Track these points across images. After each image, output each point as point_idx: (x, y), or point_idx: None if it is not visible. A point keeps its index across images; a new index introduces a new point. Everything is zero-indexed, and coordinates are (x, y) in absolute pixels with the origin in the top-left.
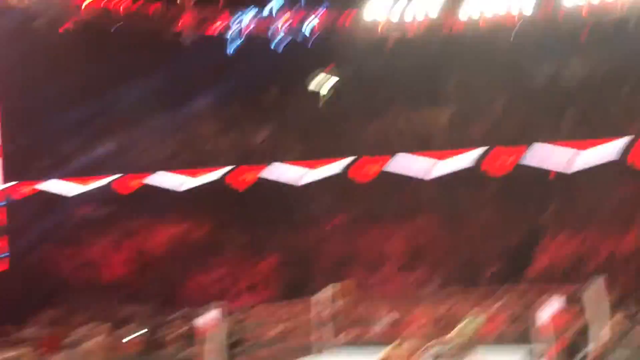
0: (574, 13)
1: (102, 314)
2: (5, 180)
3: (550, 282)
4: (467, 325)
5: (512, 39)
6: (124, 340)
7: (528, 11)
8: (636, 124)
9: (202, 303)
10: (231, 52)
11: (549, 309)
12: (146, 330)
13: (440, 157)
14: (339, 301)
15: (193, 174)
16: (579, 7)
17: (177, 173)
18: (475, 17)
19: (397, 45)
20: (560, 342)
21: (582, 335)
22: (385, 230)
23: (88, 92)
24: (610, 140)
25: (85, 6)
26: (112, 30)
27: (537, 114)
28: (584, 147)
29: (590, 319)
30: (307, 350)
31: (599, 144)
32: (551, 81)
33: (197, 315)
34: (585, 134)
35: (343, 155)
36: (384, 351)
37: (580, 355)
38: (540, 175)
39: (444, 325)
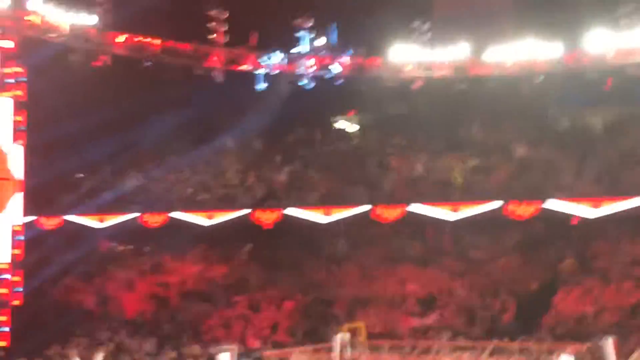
0: (599, 60)
1: (120, 348)
2: (26, 214)
3: (560, 338)
4: None
5: (538, 82)
6: None
7: (555, 56)
8: None
9: (219, 342)
10: (259, 89)
11: None
12: None
13: (455, 210)
14: (350, 346)
15: (214, 215)
16: (604, 54)
17: (199, 212)
18: (502, 61)
19: (422, 88)
20: None
21: None
22: (402, 275)
23: (115, 127)
24: (626, 199)
25: (120, 41)
26: (144, 66)
27: (556, 166)
28: (598, 206)
29: None
30: None
31: (614, 201)
32: (573, 131)
33: (213, 354)
34: (603, 190)
35: (360, 200)
36: None
37: None
38: (558, 228)
39: None
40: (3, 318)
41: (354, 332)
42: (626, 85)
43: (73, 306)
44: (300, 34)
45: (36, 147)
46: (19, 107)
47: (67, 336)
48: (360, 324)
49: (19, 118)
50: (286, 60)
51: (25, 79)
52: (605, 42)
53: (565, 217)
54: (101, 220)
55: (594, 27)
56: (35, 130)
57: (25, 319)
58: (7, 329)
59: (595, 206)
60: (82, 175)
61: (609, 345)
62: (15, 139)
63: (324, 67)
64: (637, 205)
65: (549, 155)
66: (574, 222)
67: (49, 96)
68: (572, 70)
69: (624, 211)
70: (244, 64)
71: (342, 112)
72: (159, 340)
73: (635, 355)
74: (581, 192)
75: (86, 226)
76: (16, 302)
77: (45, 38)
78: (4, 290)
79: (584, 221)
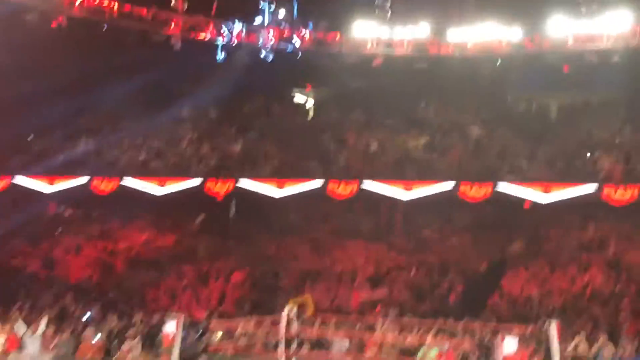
0: (558, 45)
1: (64, 313)
2: None
3: (505, 320)
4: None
5: (497, 65)
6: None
7: (514, 40)
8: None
9: (165, 311)
10: (218, 59)
11: (504, 348)
12: (103, 334)
13: (408, 188)
14: (297, 320)
15: (166, 182)
16: (565, 37)
17: (151, 179)
18: (462, 42)
19: (382, 64)
20: None
21: None
22: (352, 250)
23: (69, 91)
24: (577, 185)
25: (79, 3)
26: (102, 30)
27: (511, 149)
28: (549, 190)
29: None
30: None
31: (566, 187)
32: (529, 114)
33: (157, 322)
34: (555, 175)
35: (314, 175)
36: None
37: None
38: (509, 211)
39: (397, 354)
40: None
41: (301, 306)
42: (584, 72)
43: (18, 269)
44: (262, 5)
45: None
46: None
47: (11, 299)
48: (307, 298)
49: None
50: (246, 31)
51: None
52: (565, 28)
53: (517, 200)
54: (50, 183)
55: (555, 12)
56: None
57: None
58: None
59: (547, 191)
60: (32, 137)
61: (552, 328)
62: None
63: (284, 40)
64: (588, 191)
65: (504, 138)
66: (527, 206)
67: (1, 55)
68: (531, 54)
69: (575, 197)
70: (204, 33)
71: (300, 85)
72: (103, 306)
73: (577, 339)
74: (534, 176)
75: (34, 189)
76: None
77: None
78: None
79: (536, 205)
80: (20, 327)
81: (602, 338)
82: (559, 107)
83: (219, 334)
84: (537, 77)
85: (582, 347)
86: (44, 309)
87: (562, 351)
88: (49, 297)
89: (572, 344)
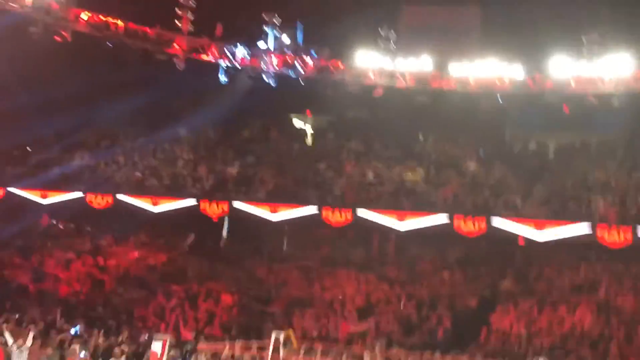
0: (559, 86)
1: (50, 327)
2: None
3: (492, 356)
4: None
5: (497, 102)
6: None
7: (517, 77)
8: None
9: (152, 330)
10: (220, 81)
11: None
12: (89, 351)
13: (402, 219)
14: (284, 347)
15: (160, 201)
16: (566, 79)
17: (146, 197)
18: (464, 77)
19: (383, 95)
20: None
21: None
22: (343, 279)
23: (69, 105)
24: (570, 223)
25: (83, 18)
26: (106, 46)
27: (506, 185)
28: (543, 228)
29: None
30: None
31: (559, 225)
32: (527, 152)
33: (144, 341)
34: (549, 212)
35: (309, 201)
36: None
37: None
38: (501, 247)
39: None
40: None
41: (286, 337)
42: (584, 113)
43: (7, 281)
44: (266, 30)
45: None
46: None
47: None
48: (289, 332)
49: None
50: (249, 55)
51: None
52: (567, 69)
53: (510, 237)
54: (44, 196)
55: (557, 52)
56: None
57: None
58: None
59: (540, 228)
60: (29, 149)
61: None
62: None
63: (287, 66)
64: (581, 231)
65: (500, 174)
66: (521, 242)
67: (3, 66)
68: (532, 93)
69: (568, 237)
70: (207, 54)
71: (300, 111)
72: (90, 322)
73: None
74: (528, 213)
75: (29, 200)
76: None
77: (5, 7)
78: None
79: (529, 243)
80: (6, 340)
81: None
82: (556, 146)
83: (206, 355)
84: (537, 116)
85: None
86: (31, 322)
87: None
88: (36, 310)
89: None
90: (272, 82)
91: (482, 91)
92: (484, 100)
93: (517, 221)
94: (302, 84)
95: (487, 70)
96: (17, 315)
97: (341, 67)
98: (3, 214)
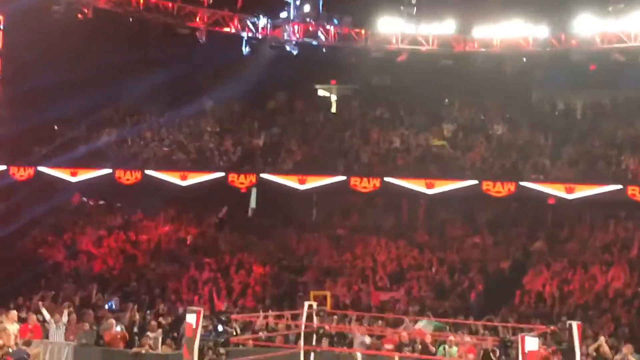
0: (585, 44)
1: (85, 304)
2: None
3: (526, 319)
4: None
5: (522, 63)
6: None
7: (541, 37)
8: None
9: (186, 302)
10: (242, 53)
11: (525, 347)
12: (124, 325)
13: (430, 186)
14: (317, 315)
15: (188, 175)
16: (591, 36)
17: (174, 172)
18: (488, 39)
19: (407, 61)
20: None
21: None
22: (373, 247)
23: (93, 82)
24: (600, 185)
25: None
26: (127, 22)
27: (534, 147)
28: (573, 190)
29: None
30: None
31: (589, 186)
32: (554, 113)
33: (178, 314)
34: (578, 174)
35: (336, 171)
36: None
37: None
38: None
39: (416, 350)
40: None
41: (320, 301)
42: (610, 71)
43: (42, 258)
44: None
45: (11, 97)
46: None
47: (34, 288)
48: (326, 293)
49: None
50: (271, 25)
51: (2, 27)
52: (592, 27)
53: (540, 197)
54: (74, 174)
55: (582, 10)
56: (11, 81)
57: None
58: None
59: (570, 190)
60: (56, 128)
61: (573, 328)
62: None
63: (309, 35)
64: (611, 191)
65: (528, 136)
66: (551, 201)
67: (27, 46)
68: (557, 53)
69: (598, 196)
70: (228, 27)
71: (324, 81)
72: (124, 297)
73: (600, 340)
74: (557, 175)
75: (58, 179)
76: None
77: None
78: None
79: (559, 204)
80: (43, 316)
81: (627, 347)
82: (584, 106)
83: (240, 326)
84: (563, 76)
85: (604, 349)
86: (67, 299)
87: (583, 352)
88: (71, 287)
89: (595, 345)
90: (294, 52)
91: (506, 52)
92: (509, 61)
93: (546, 185)
94: (324, 52)
95: (512, 31)
96: (52, 292)
97: (364, 33)
98: (34, 193)
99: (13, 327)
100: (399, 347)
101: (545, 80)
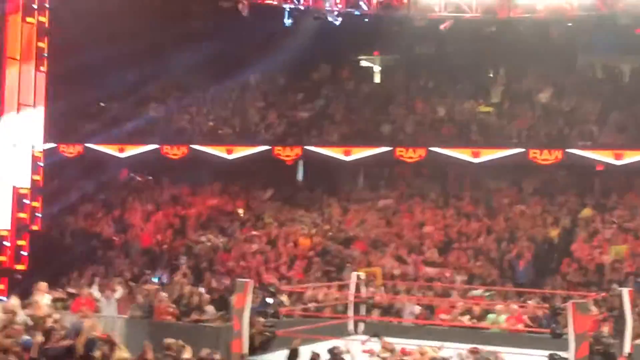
0: (631, 7)
1: (136, 278)
2: (46, 141)
3: (576, 286)
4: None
5: (567, 28)
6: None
7: (586, 1)
8: None
9: (234, 275)
10: (285, 25)
11: (575, 314)
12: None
13: (476, 155)
14: (368, 287)
15: (234, 149)
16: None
17: (219, 146)
18: (532, 4)
19: (450, 29)
20: (583, 347)
21: (606, 342)
22: (420, 217)
23: (139, 58)
24: None
25: None
26: None
27: (581, 114)
28: (621, 156)
29: (617, 327)
30: (337, 332)
31: (636, 153)
32: (600, 79)
33: (227, 287)
34: (626, 139)
35: (381, 142)
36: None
37: None
38: (579, 176)
39: (467, 319)
40: (22, 242)
41: (370, 276)
42: None
43: (91, 234)
44: None
45: (58, 74)
46: (42, 33)
47: (85, 263)
48: (377, 269)
49: (42, 44)
50: None
51: (48, 5)
52: None
53: (587, 165)
54: (121, 150)
55: None
56: (58, 58)
57: (44, 244)
58: (26, 253)
59: (618, 157)
60: (103, 104)
61: (625, 295)
62: (37, 66)
63: (352, 4)
64: None
65: (574, 103)
66: (600, 167)
67: (73, 23)
68: (603, 17)
69: None
70: None
71: (367, 51)
72: (174, 271)
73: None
74: (604, 141)
75: (106, 155)
76: (35, 227)
77: None
78: (23, 215)
79: (607, 170)
80: (95, 291)
81: None
82: (631, 70)
83: (289, 298)
84: (609, 40)
85: None
86: (118, 274)
87: (635, 318)
88: (122, 262)
89: None
90: (337, 22)
91: (551, 17)
92: (553, 27)
93: (593, 151)
94: (367, 22)
95: None
96: (104, 267)
97: (406, 2)
98: (84, 169)
99: (44, 299)
100: (454, 317)
101: (591, 45)
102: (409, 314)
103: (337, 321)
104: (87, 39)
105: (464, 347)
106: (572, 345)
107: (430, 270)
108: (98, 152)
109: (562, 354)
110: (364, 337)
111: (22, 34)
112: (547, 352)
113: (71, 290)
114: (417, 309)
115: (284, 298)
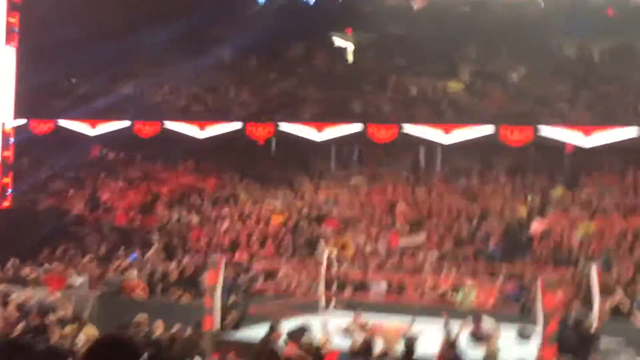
0: None
1: (108, 255)
2: (17, 117)
3: (545, 264)
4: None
5: (540, 8)
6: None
7: None
8: None
9: (206, 253)
10: (262, 2)
11: (543, 290)
12: (147, 275)
13: (448, 132)
14: (338, 262)
15: (206, 126)
16: None
17: (192, 123)
18: None
19: (424, 8)
20: (552, 322)
21: (574, 317)
22: (392, 195)
23: (111, 35)
24: (616, 127)
25: None
26: None
27: (551, 93)
28: (590, 134)
29: (584, 302)
30: (309, 308)
31: (606, 130)
32: (571, 59)
33: (199, 264)
34: (596, 118)
35: (354, 119)
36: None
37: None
38: (549, 155)
39: (438, 295)
40: None
41: (341, 247)
42: (628, 15)
43: (62, 211)
44: None
45: (29, 51)
46: (12, 8)
47: (56, 240)
48: (347, 239)
49: (12, 19)
50: None
51: None
52: None
53: (558, 145)
54: (93, 127)
55: None
56: (29, 33)
57: (15, 221)
58: None
59: (587, 134)
60: (75, 80)
61: (593, 271)
62: (7, 41)
63: None
64: (629, 135)
65: (545, 82)
66: (568, 149)
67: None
68: None
69: (617, 142)
70: None
71: (340, 29)
72: (146, 248)
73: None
74: (574, 120)
75: (78, 132)
76: (6, 204)
77: None
78: None
79: (577, 150)
80: (66, 267)
81: None
82: (601, 51)
83: (261, 275)
84: (581, 21)
85: (621, 295)
86: (89, 251)
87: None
88: (94, 239)
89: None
90: (311, 1)
91: None
92: (526, 7)
93: (564, 127)
94: (341, 1)
95: None
96: (75, 244)
97: None
98: (55, 146)
99: None
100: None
101: (562, 26)
102: (377, 291)
103: (309, 298)
104: (59, 15)
105: (436, 323)
106: (540, 320)
107: (403, 241)
108: (69, 129)
109: (531, 327)
110: (339, 313)
111: None
112: (516, 327)
113: (42, 267)
114: (384, 285)
115: (256, 275)
